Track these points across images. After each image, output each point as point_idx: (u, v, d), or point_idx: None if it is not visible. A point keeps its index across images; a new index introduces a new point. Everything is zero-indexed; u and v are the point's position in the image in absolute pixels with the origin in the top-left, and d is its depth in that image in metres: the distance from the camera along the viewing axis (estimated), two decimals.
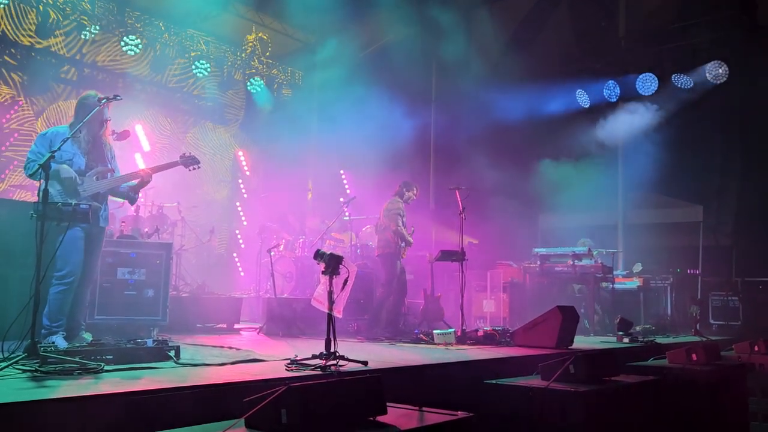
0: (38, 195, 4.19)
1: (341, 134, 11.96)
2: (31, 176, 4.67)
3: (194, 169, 5.50)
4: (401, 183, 8.24)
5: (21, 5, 9.92)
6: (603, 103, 11.94)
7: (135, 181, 5.21)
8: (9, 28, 9.86)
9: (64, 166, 4.90)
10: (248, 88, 12.98)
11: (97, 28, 10.70)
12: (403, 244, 7.97)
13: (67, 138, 4.66)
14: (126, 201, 5.55)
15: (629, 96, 11.68)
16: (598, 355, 5.07)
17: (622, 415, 4.48)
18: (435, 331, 6.88)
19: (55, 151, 4.32)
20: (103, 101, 4.82)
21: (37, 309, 3.90)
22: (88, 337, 5.04)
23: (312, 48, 13.02)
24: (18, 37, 9.96)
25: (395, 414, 2.99)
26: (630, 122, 11.76)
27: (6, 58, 9.83)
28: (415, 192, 8.21)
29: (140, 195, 5.76)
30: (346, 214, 10.26)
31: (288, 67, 13.94)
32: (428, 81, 13.25)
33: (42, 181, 4.21)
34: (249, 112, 13.31)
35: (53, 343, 4.45)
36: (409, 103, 11.76)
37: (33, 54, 10.15)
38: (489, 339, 6.74)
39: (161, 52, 11.65)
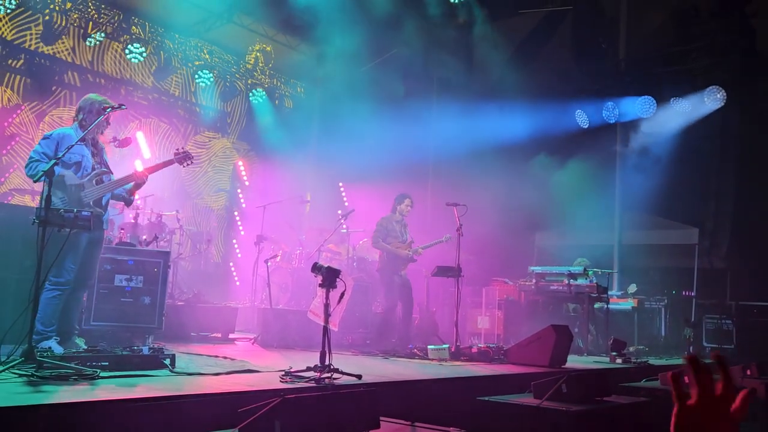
0: (40, 200, 4.18)
1: (341, 147, 12.00)
2: (33, 178, 4.67)
3: (188, 164, 5.37)
4: (394, 198, 8.39)
5: (27, 11, 10.01)
6: (602, 124, 12.05)
7: (131, 184, 5.20)
8: (14, 32, 9.94)
9: (69, 172, 4.86)
10: (250, 98, 13.08)
11: (102, 35, 10.79)
12: (394, 257, 8.04)
13: (73, 144, 4.66)
14: (123, 204, 5.58)
15: (628, 118, 11.80)
16: (590, 375, 5.10)
17: None
18: (429, 347, 6.91)
19: (60, 157, 4.35)
20: (108, 110, 4.86)
21: (35, 314, 3.91)
22: (80, 342, 5.03)
23: (314, 61, 13.12)
24: (23, 41, 10.03)
25: (388, 429, 3.01)
26: (628, 144, 11.87)
27: (10, 62, 9.90)
28: (408, 203, 8.29)
29: (137, 197, 5.75)
30: (344, 226, 10.28)
31: (290, 79, 14.04)
32: (429, 97, 13.33)
33: (45, 185, 4.21)
34: (250, 123, 13.39)
35: (49, 348, 4.45)
36: (409, 118, 11.82)
37: (37, 59, 10.21)
38: (483, 356, 6.75)
39: (165, 61, 11.74)
